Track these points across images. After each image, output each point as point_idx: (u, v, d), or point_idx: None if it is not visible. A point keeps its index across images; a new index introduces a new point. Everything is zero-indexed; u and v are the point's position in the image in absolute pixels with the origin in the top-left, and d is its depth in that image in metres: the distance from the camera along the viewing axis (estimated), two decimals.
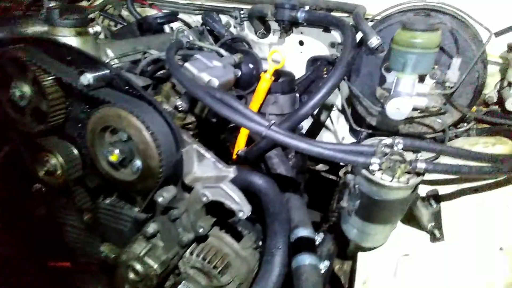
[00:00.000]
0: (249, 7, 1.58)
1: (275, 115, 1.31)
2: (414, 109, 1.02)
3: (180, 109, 0.97)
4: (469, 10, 1.13)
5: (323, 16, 1.34)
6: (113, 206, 1.03)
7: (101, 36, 1.70)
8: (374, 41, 1.15)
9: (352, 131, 1.60)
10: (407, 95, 0.98)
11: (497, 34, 1.15)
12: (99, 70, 0.92)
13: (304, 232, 1.04)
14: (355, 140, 1.57)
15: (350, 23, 1.31)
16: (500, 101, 1.18)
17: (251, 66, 1.49)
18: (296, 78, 1.67)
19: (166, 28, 1.51)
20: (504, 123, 1.10)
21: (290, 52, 1.64)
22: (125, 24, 1.81)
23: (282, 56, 1.13)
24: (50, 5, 1.19)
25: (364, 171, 0.80)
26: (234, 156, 1.21)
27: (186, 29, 1.56)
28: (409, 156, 0.81)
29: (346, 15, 1.41)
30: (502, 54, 1.18)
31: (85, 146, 1.05)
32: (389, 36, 1.18)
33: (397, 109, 0.95)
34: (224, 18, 1.72)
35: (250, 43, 1.63)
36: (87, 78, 0.88)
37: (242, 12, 1.62)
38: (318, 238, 1.04)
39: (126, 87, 0.92)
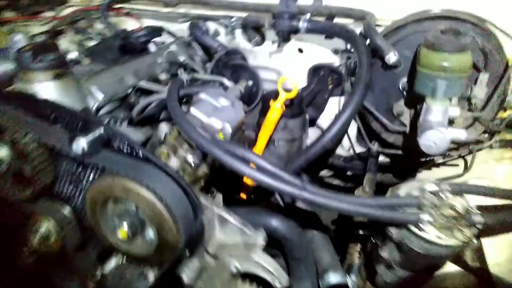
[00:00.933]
0: (240, 14, 1.43)
1: (285, 141, 1.20)
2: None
3: (192, 165, 0.85)
4: (491, 17, 1.04)
5: (329, 27, 1.21)
6: (122, 276, 0.91)
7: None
8: (391, 57, 1.04)
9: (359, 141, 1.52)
10: (439, 124, 0.89)
11: None
12: (92, 130, 0.78)
13: (335, 277, 0.97)
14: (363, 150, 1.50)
15: (358, 32, 1.20)
16: None
17: (250, 83, 1.36)
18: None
19: (151, 46, 1.34)
20: None
21: (288, 61, 1.51)
22: (101, 39, 1.62)
23: (294, 84, 1.00)
24: (19, 46, 1.01)
25: (414, 229, 0.71)
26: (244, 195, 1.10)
27: (175, 49, 1.40)
28: (457, 199, 0.73)
29: (350, 21, 1.29)
30: None
31: (82, 205, 0.91)
32: (405, 49, 1.09)
33: (433, 144, 0.86)
34: (212, 26, 1.56)
35: (244, 54, 1.49)
36: (80, 145, 0.74)
37: (232, 20, 1.46)
38: (350, 281, 0.97)
39: (127, 148, 0.78)
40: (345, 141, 1.59)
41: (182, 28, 1.61)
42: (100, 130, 0.78)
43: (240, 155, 0.75)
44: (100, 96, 1.04)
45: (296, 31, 1.27)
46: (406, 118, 1.14)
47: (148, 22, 1.64)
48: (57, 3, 1.69)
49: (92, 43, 1.64)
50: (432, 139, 0.86)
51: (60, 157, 0.88)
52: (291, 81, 1.01)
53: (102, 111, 1.04)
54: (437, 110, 0.90)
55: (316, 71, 1.46)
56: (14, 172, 0.88)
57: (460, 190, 0.74)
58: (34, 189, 0.90)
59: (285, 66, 1.53)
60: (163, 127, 1.09)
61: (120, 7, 1.60)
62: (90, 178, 0.87)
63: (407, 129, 1.12)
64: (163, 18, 1.59)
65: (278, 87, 1.03)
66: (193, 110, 0.86)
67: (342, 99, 1.47)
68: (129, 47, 1.29)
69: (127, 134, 0.83)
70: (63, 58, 0.96)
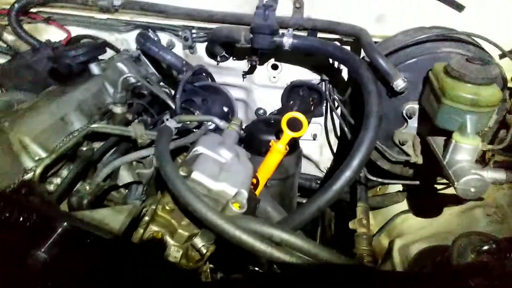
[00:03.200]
0: (202, 25, 1.18)
1: (279, 180, 1.02)
2: None
3: (203, 251, 0.61)
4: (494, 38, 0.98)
5: (319, 45, 1.04)
6: None
7: None
8: (400, 84, 0.93)
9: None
10: (470, 164, 0.80)
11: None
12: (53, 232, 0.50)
13: None
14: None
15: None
16: None
17: (225, 109, 1.14)
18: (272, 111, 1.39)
19: (93, 67, 1.01)
20: None
21: (261, 78, 1.32)
22: (13, 55, 1.21)
23: (303, 121, 0.82)
24: None
25: None
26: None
27: (123, 68, 1.10)
28: None
29: (335, 36, 1.15)
30: None
31: None
32: (407, 71, 0.99)
33: (472, 189, 0.77)
34: (164, 37, 1.28)
35: (208, 70, 1.25)
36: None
37: (195, 32, 1.21)
38: None
39: None
40: (322, 165, 1.47)
41: (123, 38, 1.30)
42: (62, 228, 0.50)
43: (267, 234, 0.56)
44: (41, 152, 0.73)
45: (278, 48, 1.08)
46: (409, 146, 1.04)
47: (76, 31, 1.29)
48: None
49: None
50: (472, 185, 0.77)
51: None
52: (300, 118, 0.82)
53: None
54: (467, 148, 0.81)
55: (293, 90, 1.30)
56: None
57: None
58: None
59: (257, 84, 1.34)
60: (124, 176, 0.83)
61: (38, 12, 1.21)
62: None
63: (414, 159, 1.03)
64: (95, 25, 1.25)
65: (283, 125, 0.84)
66: (196, 176, 0.62)
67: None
68: (63, 70, 0.96)
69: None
70: None
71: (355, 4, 1.11)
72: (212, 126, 1.07)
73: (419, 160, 1.03)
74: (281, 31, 1.09)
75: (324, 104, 1.31)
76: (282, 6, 1.11)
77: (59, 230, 0.49)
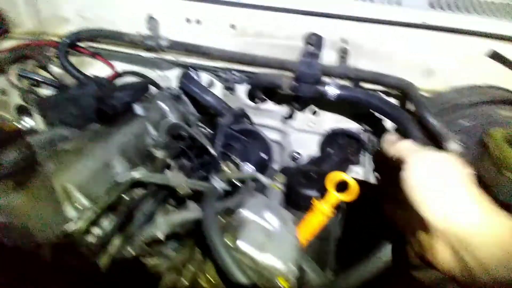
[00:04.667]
0: (244, 68, 1.17)
1: (318, 239, 0.97)
2: None
3: None
4: None
5: (366, 97, 1.02)
6: None
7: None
8: (453, 146, 0.88)
9: None
10: None
11: None
12: None
13: None
14: None
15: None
16: None
17: (263, 155, 1.12)
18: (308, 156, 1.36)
19: (137, 108, 1.02)
20: None
21: (298, 122, 1.29)
22: (58, 87, 1.24)
23: (352, 183, 0.78)
24: None
25: None
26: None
27: (165, 107, 1.10)
28: None
29: (380, 88, 1.11)
30: None
31: None
32: (462, 134, 0.94)
33: None
34: (205, 76, 1.28)
35: (246, 113, 1.24)
36: None
37: (235, 74, 1.21)
38: None
39: None
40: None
41: (166, 75, 1.31)
42: None
43: None
44: (84, 201, 0.72)
45: (323, 97, 1.06)
46: None
47: (120, 66, 1.31)
48: None
49: (44, 91, 1.26)
50: None
51: None
52: (349, 182, 0.78)
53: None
54: None
55: (332, 137, 1.27)
56: None
57: None
58: None
59: (294, 128, 1.32)
60: (161, 223, 0.80)
61: (86, 46, 1.25)
62: None
63: None
64: (138, 61, 1.27)
65: (329, 186, 0.80)
66: (242, 245, 0.59)
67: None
68: (108, 111, 0.96)
69: None
70: (32, 156, 0.63)
71: (402, 55, 1.07)
72: (247, 167, 1.05)
73: None
74: (325, 79, 1.08)
75: (363, 153, 1.27)
76: (327, 55, 1.10)
77: None
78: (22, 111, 1.28)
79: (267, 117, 1.33)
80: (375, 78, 1.08)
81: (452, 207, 0.48)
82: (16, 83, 1.23)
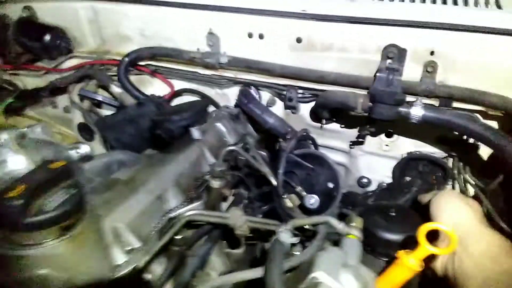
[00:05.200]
0: (309, 85, 1.05)
1: None
2: None
3: None
4: None
5: (460, 122, 0.83)
6: None
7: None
8: None
9: None
10: None
11: None
12: None
13: None
14: None
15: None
16: None
17: (330, 185, 0.99)
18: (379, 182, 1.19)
19: (194, 132, 0.95)
20: None
21: (369, 144, 1.14)
22: (119, 106, 1.23)
23: (452, 234, 0.62)
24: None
25: None
26: None
27: (224, 130, 1.02)
28: None
29: (476, 108, 0.92)
30: None
31: None
32: None
33: None
34: (265, 94, 1.18)
35: (311, 135, 1.11)
36: None
37: (300, 92, 1.09)
38: None
39: None
40: None
41: (223, 93, 1.24)
42: None
43: None
44: (133, 241, 0.65)
45: (404, 119, 0.90)
46: None
47: (178, 83, 1.27)
48: (58, 53, 1.29)
49: (105, 111, 1.26)
50: None
51: None
52: (448, 233, 0.62)
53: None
54: None
55: (411, 163, 1.09)
56: None
57: None
58: None
59: (364, 150, 1.16)
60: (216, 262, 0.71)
61: (146, 65, 1.22)
62: None
63: None
64: (197, 79, 1.21)
65: (421, 237, 0.64)
66: None
67: None
68: (165, 136, 0.90)
69: None
70: (79, 194, 0.56)
71: (504, 68, 0.88)
72: (313, 200, 0.91)
73: None
74: (407, 98, 0.92)
75: (449, 184, 1.07)
76: (410, 69, 0.94)
77: None
78: (84, 129, 1.29)
79: (333, 138, 1.19)
80: (471, 96, 0.89)
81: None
82: (78, 102, 1.24)
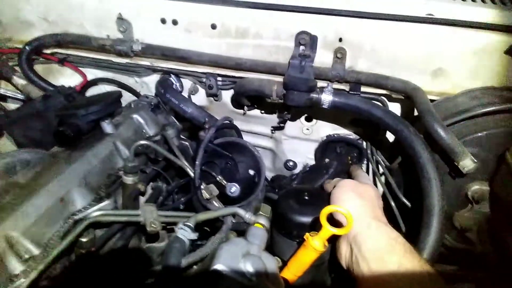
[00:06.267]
0: (229, 73, 1.04)
1: (312, 267, 0.86)
2: None
3: None
4: None
5: (365, 107, 0.88)
6: None
7: None
8: (468, 164, 0.75)
9: None
10: None
11: None
12: None
13: None
14: None
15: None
16: None
17: (251, 172, 1.00)
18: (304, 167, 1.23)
19: (106, 125, 0.90)
20: None
21: (291, 129, 1.17)
22: (24, 99, 1.12)
23: (348, 215, 0.66)
24: None
25: None
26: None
27: (141, 122, 0.98)
28: None
29: (381, 92, 0.98)
30: None
31: None
32: (477, 146, 0.81)
33: None
34: (187, 82, 1.15)
35: (233, 123, 1.11)
36: None
37: (220, 80, 1.08)
38: None
39: None
40: None
41: (143, 81, 1.18)
42: None
43: None
44: (32, 248, 0.61)
45: (316, 106, 0.93)
46: (473, 233, 0.86)
47: (92, 72, 1.18)
48: None
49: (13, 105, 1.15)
50: None
51: None
52: (345, 214, 0.66)
53: None
54: None
55: (329, 145, 1.15)
56: None
57: None
58: None
59: (288, 135, 1.19)
60: None
61: (53, 53, 1.12)
62: None
63: (479, 249, 0.85)
64: (114, 67, 1.14)
65: (322, 219, 0.68)
66: None
67: None
68: (70, 132, 0.84)
69: None
70: None
71: (406, 54, 0.93)
72: (233, 188, 0.92)
73: (485, 250, 0.85)
74: (319, 83, 0.95)
75: (364, 163, 1.14)
76: (321, 56, 0.96)
77: None
78: None
79: (257, 123, 1.20)
80: (377, 81, 0.94)
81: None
82: None
